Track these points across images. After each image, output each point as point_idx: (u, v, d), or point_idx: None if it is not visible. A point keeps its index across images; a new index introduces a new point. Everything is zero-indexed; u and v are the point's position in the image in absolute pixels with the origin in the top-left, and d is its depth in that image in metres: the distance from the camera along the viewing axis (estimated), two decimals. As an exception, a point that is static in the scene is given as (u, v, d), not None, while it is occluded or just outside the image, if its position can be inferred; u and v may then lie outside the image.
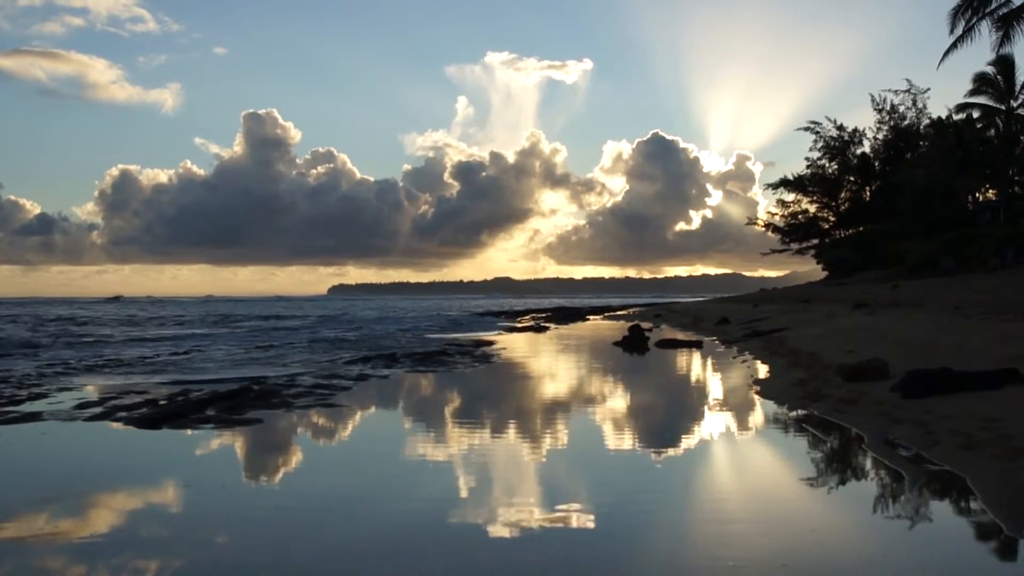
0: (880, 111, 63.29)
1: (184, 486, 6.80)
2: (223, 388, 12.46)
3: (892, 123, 62.71)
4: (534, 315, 56.07)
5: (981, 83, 46.22)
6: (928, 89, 61.55)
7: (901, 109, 61.64)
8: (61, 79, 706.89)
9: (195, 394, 11.93)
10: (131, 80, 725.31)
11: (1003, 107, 46.26)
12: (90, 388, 13.42)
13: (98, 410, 10.65)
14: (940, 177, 46.60)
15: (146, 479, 7.07)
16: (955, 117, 48.38)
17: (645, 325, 29.24)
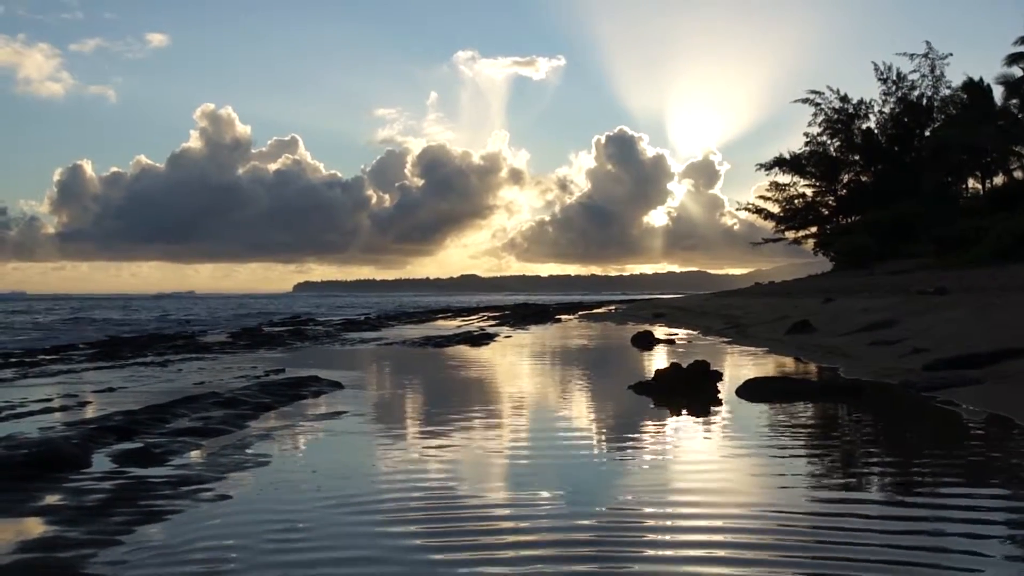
0: (885, 80, 55.07)
1: None
2: None
3: (900, 94, 54.51)
4: (486, 313, 46.49)
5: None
6: (950, 54, 52.69)
7: (913, 78, 53.44)
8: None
9: None
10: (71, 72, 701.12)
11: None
12: None
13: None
14: (977, 147, 38.53)
15: None
16: (1003, 70, 39.99)
17: (660, 334, 20.02)
